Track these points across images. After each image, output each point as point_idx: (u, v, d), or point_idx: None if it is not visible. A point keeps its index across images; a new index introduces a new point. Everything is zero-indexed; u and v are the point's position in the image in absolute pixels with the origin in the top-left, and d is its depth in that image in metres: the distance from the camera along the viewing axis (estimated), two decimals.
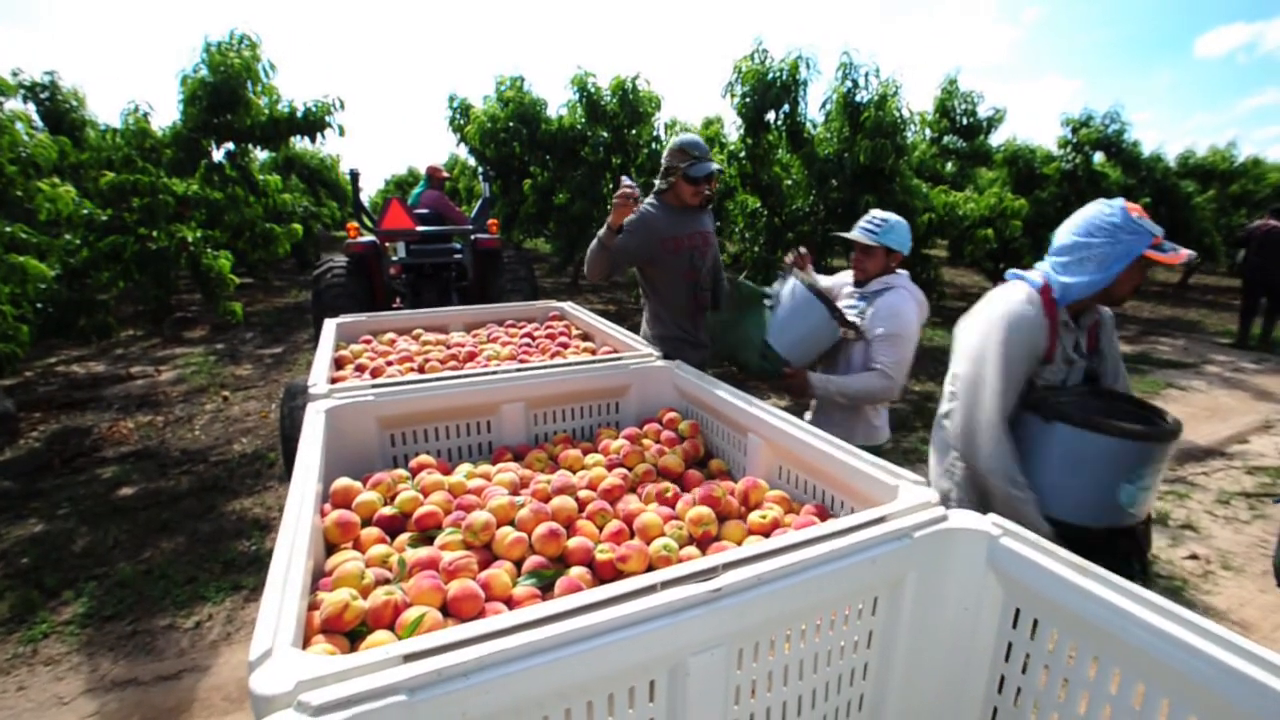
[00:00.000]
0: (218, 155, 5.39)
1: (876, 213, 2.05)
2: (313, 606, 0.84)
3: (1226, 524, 3.33)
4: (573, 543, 1.04)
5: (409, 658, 0.59)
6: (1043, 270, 1.51)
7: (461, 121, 8.94)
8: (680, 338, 2.37)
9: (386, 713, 0.56)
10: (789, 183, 6.53)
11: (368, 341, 2.04)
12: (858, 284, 2.10)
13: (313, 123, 5.33)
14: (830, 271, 2.40)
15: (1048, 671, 0.80)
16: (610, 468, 1.33)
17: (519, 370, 1.55)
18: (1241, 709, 0.62)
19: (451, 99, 9.13)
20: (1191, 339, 7.87)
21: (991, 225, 6.91)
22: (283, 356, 6.34)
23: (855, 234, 2.03)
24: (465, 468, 1.32)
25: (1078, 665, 0.77)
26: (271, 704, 0.55)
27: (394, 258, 5.25)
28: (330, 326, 2.02)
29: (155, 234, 4.42)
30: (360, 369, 1.77)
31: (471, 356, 1.87)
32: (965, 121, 9.45)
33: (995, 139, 9.81)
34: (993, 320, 1.44)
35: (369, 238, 5.00)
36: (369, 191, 18.72)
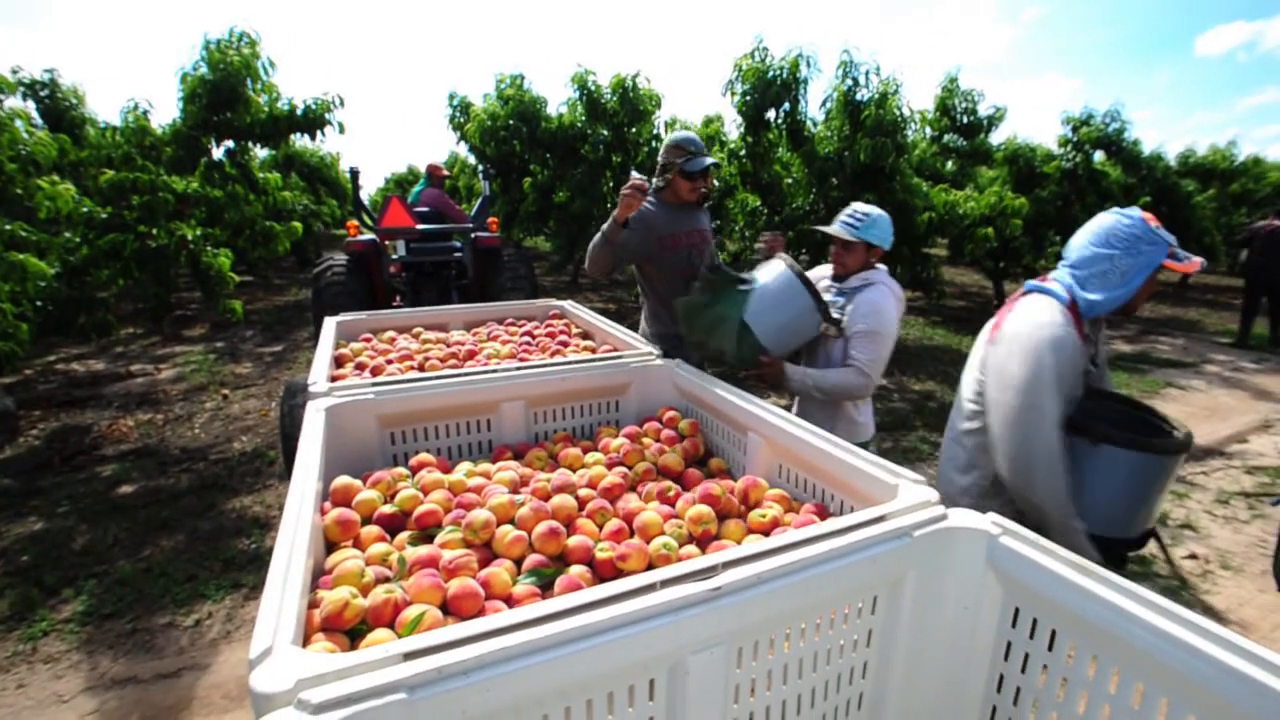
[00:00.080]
0: (217, 153, 5.38)
1: (858, 206, 1.98)
2: (313, 605, 0.84)
3: (1226, 524, 3.33)
4: (573, 541, 1.04)
5: (409, 656, 0.59)
6: (1064, 283, 1.45)
7: (462, 119, 8.93)
8: (680, 335, 2.37)
9: (387, 711, 0.56)
10: (789, 181, 6.53)
11: (368, 340, 2.04)
12: (836, 278, 2.03)
13: (312, 120, 5.32)
14: None
15: (1047, 671, 0.81)
16: (610, 466, 1.33)
17: (519, 369, 1.55)
18: (1240, 709, 0.62)
19: (452, 97, 9.12)
20: (1191, 338, 7.87)
21: (992, 224, 6.91)
22: (282, 355, 6.34)
23: (835, 228, 1.96)
24: (465, 466, 1.32)
25: (1077, 664, 0.77)
26: (272, 702, 0.55)
27: (394, 256, 5.25)
28: (330, 325, 2.02)
29: (155, 232, 4.42)
30: (360, 367, 1.77)
31: (471, 355, 1.87)
32: (965, 120, 9.44)
33: (995, 138, 9.81)
34: (1039, 346, 1.36)
35: (369, 236, 5.00)
36: (369, 189, 18.70)
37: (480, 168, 7.69)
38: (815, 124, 6.33)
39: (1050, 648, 0.80)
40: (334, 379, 1.53)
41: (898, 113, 5.76)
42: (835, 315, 1.92)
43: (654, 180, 2.37)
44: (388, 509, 1.13)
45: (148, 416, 4.59)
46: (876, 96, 5.80)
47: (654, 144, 7.78)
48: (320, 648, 0.75)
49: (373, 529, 1.08)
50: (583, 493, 1.21)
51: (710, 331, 1.85)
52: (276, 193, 5.71)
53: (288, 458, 3.01)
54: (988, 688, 0.88)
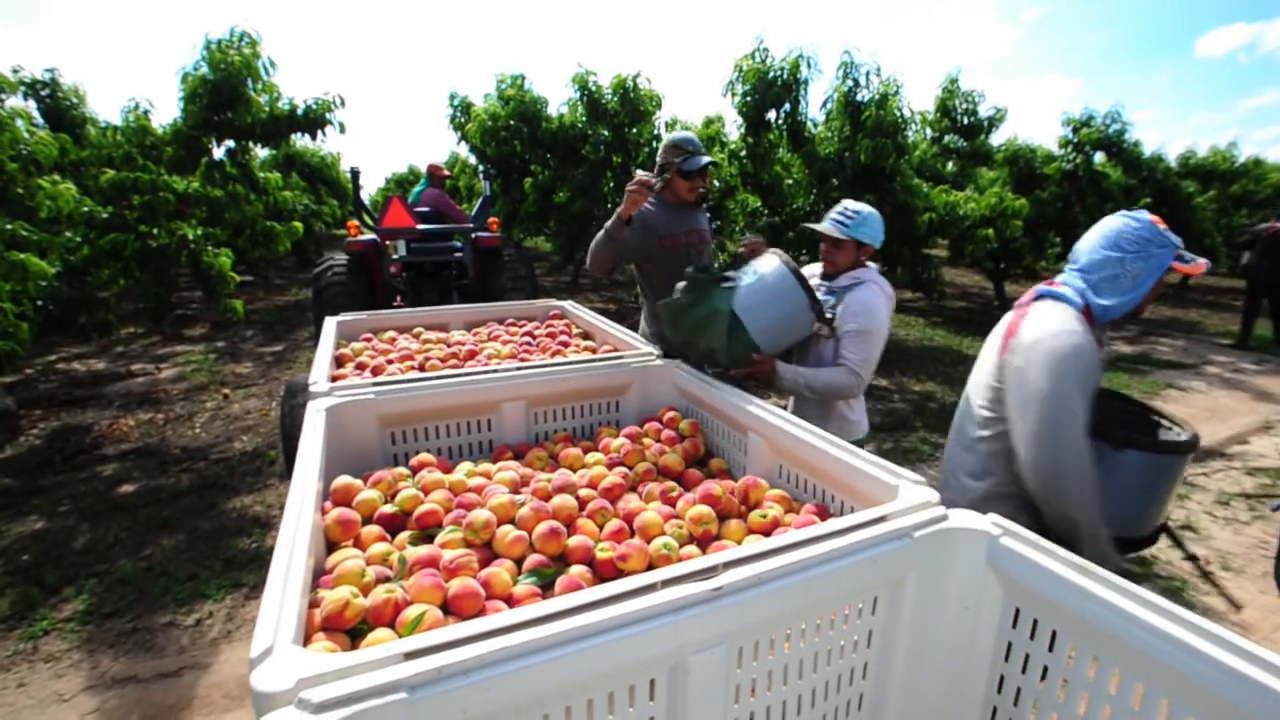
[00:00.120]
0: (218, 153, 5.39)
1: (848, 204, 1.93)
2: (313, 604, 0.84)
3: (1226, 525, 3.33)
4: (573, 541, 1.04)
5: (410, 655, 0.59)
6: (1075, 287, 1.43)
7: (462, 120, 8.94)
8: None
9: (387, 710, 0.56)
10: (790, 182, 6.53)
11: (368, 340, 2.04)
12: (826, 277, 1.99)
13: (313, 120, 5.33)
14: None
15: (1047, 671, 0.81)
16: (611, 466, 1.33)
17: (519, 369, 1.55)
18: (1241, 709, 0.62)
19: (452, 97, 9.13)
20: (1191, 340, 7.87)
21: (992, 225, 6.90)
22: (283, 354, 6.35)
23: (825, 226, 1.92)
24: (466, 466, 1.32)
25: (1077, 665, 0.77)
26: (273, 701, 0.55)
27: (394, 256, 5.25)
28: (331, 325, 2.02)
29: (156, 231, 4.42)
30: (361, 367, 1.77)
31: (472, 355, 1.87)
32: (966, 121, 9.44)
33: (996, 138, 9.82)
34: (1063, 356, 1.34)
35: (370, 236, 5.00)
36: (369, 189, 18.72)
37: (481, 168, 7.70)
38: (816, 125, 6.33)
39: (1051, 648, 0.80)
40: (334, 379, 1.53)
41: (898, 114, 5.76)
42: (828, 314, 1.88)
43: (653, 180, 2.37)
44: (388, 509, 1.13)
45: (148, 416, 4.59)
46: (877, 97, 5.80)
47: (655, 144, 7.78)
48: (321, 647, 0.75)
49: (373, 529, 1.08)
50: (583, 493, 1.21)
51: (699, 330, 1.74)
52: (277, 192, 5.72)
53: (288, 457, 3.01)
54: (988, 688, 0.88)
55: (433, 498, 1.15)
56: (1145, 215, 1.40)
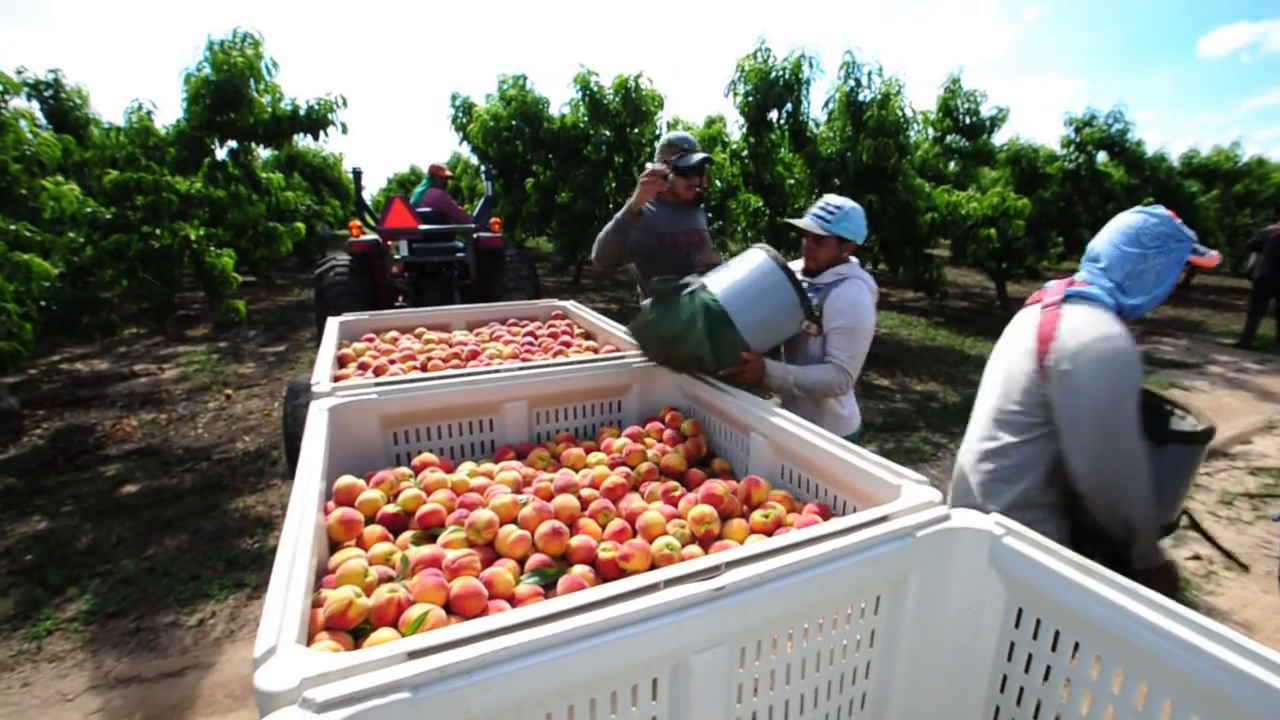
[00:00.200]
0: (221, 153, 5.41)
1: (830, 199, 1.90)
2: (316, 604, 0.84)
3: (1229, 524, 3.32)
4: (575, 541, 1.04)
5: (412, 655, 0.59)
6: (1103, 287, 1.41)
7: (464, 120, 8.94)
8: None
9: (390, 710, 0.56)
10: (791, 182, 6.53)
11: (370, 340, 2.04)
12: (808, 273, 1.95)
13: (315, 121, 5.34)
14: None
15: (1050, 671, 0.80)
16: (613, 466, 1.33)
17: (521, 369, 1.55)
18: (1245, 709, 0.61)
19: (454, 97, 9.14)
20: (1194, 339, 7.85)
21: (994, 225, 6.90)
22: (285, 355, 6.36)
23: (806, 222, 1.89)
24: (468, 466, 1.32)
25: (1080, 665, 0.77)
26: (276, 700, 0.55)
27: (396, 256, 5.26)
28: (333, 325, 2.02)
29: (159, 232, 4.43)
30: (363, 367, 1.77)
31: (474, 355, 1.87)
32: (968, 121, 9.43)
33: (998, 138, 9.80)
34: (1116, 360, 1.31)
35: (372, 236, 5.00)
36: (371, 190, 18.73)
37: (483, 168, 7.70)
38: (818, 125, 6.33)
39: (1054, 648, 0.80)
40: (337, 379, 1.53)
41: (900, 113, 5.76)
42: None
43: None
44: (391, 509, 1.13)
45: (151, 416, 4.61)
46: (879, 97, 5.80)
47: (656, 145, 7.79)
48: (324, 647, 0.75)
49: (376, 529, 1.08)
50: (585, 493, 1.21)
51: (680, 339, 1.60)
52: (279, 193, 5.75)
53: (291, 457, 3.02)
54: (991, 688, 0.88)
55: (435, 498, 1.15)
56: (1162, 210, 1.39)
